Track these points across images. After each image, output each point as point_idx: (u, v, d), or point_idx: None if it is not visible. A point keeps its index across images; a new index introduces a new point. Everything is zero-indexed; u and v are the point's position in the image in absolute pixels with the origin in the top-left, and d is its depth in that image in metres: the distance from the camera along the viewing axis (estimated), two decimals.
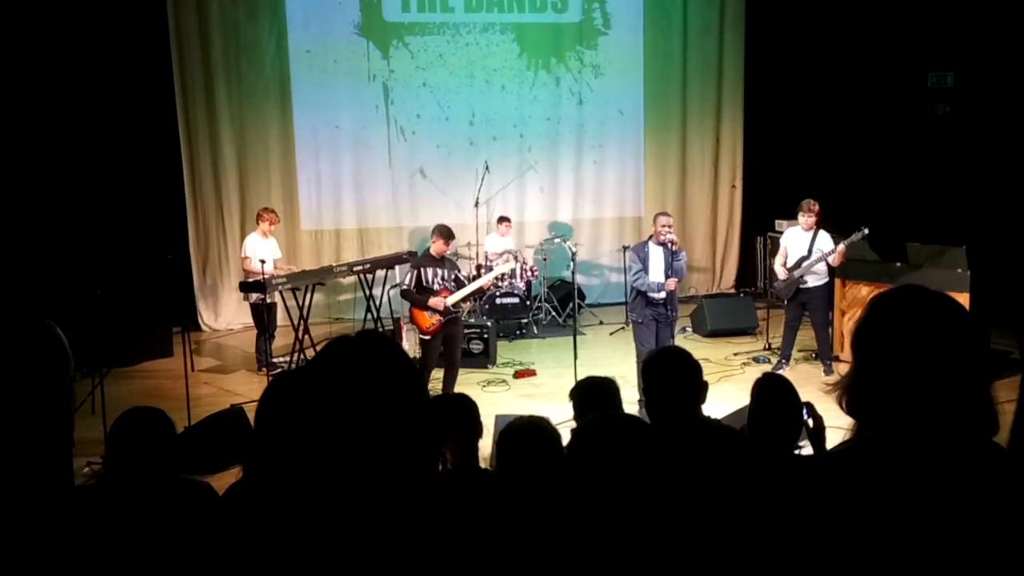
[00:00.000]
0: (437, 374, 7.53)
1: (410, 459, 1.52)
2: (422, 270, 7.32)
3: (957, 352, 1.54)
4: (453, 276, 7.46)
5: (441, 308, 7.20)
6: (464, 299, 7.66)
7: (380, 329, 9.39)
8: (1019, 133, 10.39)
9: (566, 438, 3.25)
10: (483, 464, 4.01)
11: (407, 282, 7.36)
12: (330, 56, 11.15)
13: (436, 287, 7.29)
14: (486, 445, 4.41)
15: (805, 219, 8.12)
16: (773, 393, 3.15)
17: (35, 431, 1.51)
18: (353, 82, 11.26)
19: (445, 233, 7.39)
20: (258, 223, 9.00)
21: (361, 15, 11.20)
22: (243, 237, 9.56)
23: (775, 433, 3.07)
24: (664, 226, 7.05)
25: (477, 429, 3.46)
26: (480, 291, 9.01)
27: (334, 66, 11.18)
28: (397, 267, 9.80)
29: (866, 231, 7.94)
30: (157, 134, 10.59)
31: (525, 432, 2.68)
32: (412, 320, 7.40)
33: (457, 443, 3.17)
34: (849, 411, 1.62)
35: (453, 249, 10.95)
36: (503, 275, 9.69)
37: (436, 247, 7.37)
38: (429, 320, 7.23)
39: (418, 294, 7.25)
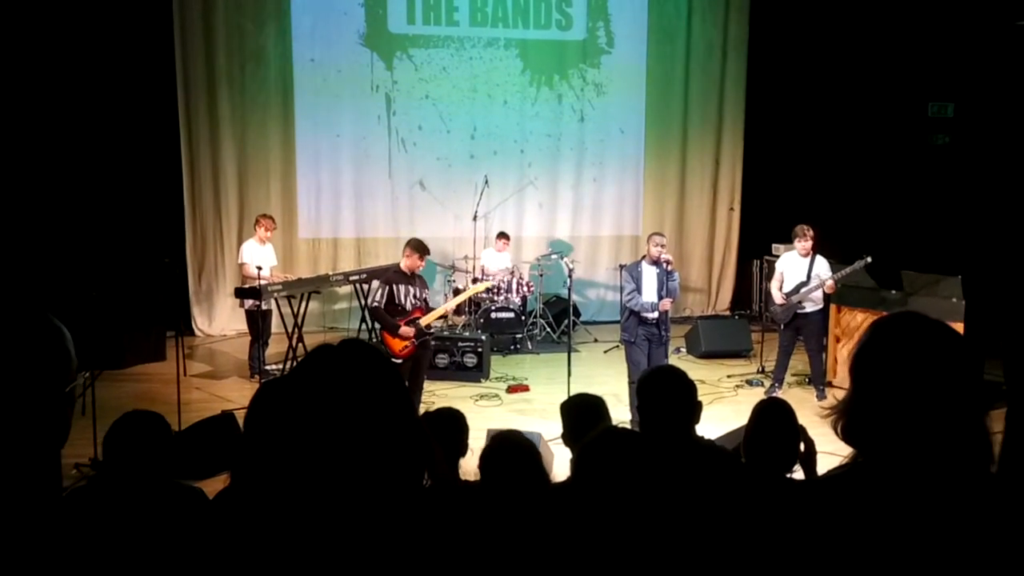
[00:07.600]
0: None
1: (394, 468, 1.51)
2: (394, 287, 6.88)
3: (956, 380, 1.54)
4: (424, 295, 7.09)
5: (412, 335, 6.82)
6: (438, 318, 7.26)
7: (374, 339, 9.37)
8: (1018, 165, 10.45)
9: (559, 454, 3.25)
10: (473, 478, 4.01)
11: (378, 298, 6.87)
12: (333, 66, 11.18)
13: (408, 306, 6.93)
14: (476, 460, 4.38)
15: (802, 244, 8.08)
16: (774, 417, 3.15)
17: (29, 430, 1.50)
18: (356, 92, 11.28)
19: (420, 248, 6.95)
20: (255, 229, 9.02)
21: (366, 26, 11.24)
22: (240, 243, 9.55)
23: (772, 457, 3.06)
24: (658, 245, 7.00)
25: (462, 446, 3.49)
26: (456, 308, 8.59)
27: (337, 76, 11.20)
28: None
29: (868, 259, 7.92)
30: (158, 137, 10.59)
31: (503, 447, 2.74)
32: (383, 342, 6.90)
33: (443, 456, 3.20)
34: (845, 436, 1.59)
35: (450, 262, 11.00)
36: (476, 295, 9.23)
37: (409, 262, 6.93)
38: (402, 344, 6.83)
39: (389, 313, 6.85)
